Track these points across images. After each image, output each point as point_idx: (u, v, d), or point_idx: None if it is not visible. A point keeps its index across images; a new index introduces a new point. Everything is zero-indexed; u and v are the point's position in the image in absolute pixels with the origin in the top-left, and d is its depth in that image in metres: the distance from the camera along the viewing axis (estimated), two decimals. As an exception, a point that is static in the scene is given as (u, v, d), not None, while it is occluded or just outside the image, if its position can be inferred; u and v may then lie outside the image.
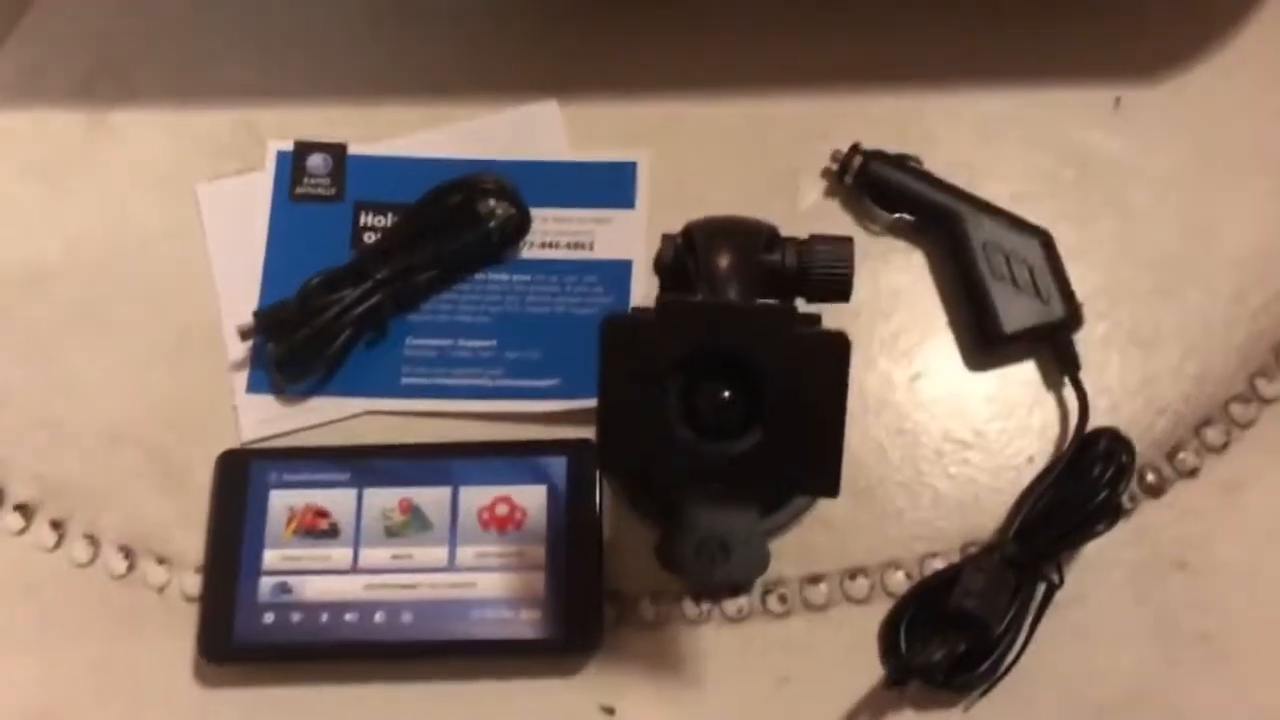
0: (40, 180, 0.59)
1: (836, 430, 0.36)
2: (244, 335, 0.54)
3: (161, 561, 0.53)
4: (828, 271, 0.46)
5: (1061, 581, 0.49)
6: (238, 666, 0.50)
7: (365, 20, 0.61)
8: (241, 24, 0.61)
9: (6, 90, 0.60)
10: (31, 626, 0.52)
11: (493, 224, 0.55)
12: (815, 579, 0.51)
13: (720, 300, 0.40)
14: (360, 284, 0.53)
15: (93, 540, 0.53)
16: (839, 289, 0.47)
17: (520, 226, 0.55)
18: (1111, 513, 0.49)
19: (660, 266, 0.49)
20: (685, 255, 0.47)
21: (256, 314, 0.53)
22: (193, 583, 0.52)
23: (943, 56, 0.59)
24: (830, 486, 0.37)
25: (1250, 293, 0.55)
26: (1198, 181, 0.56)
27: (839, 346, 0.36)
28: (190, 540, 0.53)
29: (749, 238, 0.44)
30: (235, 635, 0.49)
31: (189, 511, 0.53)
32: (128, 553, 0.53)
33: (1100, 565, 0.51)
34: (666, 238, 0.49)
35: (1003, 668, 0.48)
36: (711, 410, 0.38)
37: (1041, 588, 0.49)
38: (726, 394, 0.38)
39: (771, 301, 0.39)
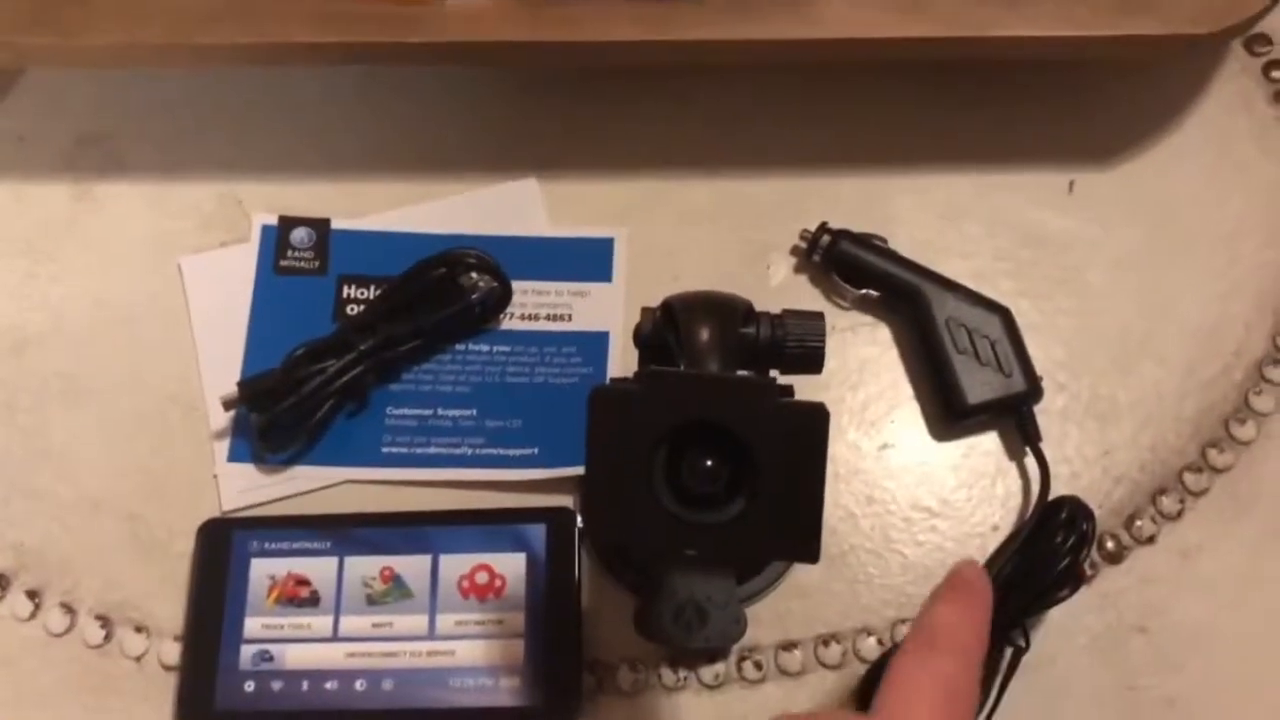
0: (25, 250, 0.60)
1: (816, 498, 0.38)
2: (227, 405, 0.54)
3: (139, 630, 0.53)
4: (801, 344, 0.48)
5: (1028, 646, 0.50)
6: (217, 736, 0.50)
7: (350, 97, 0.63)
8: (227, 99, 0.63)
9: (-7, 161, 0.62)
10: (6, 697, 0.52)
11: (474, 296, 0.56)
12: (790, 645, 0.53)
13: (704, 372, 0.42)
14: (344, 355, 0.54)
15: (69, 609, 0.53)
16: (811, 361, 0.49)
17: (501, 299, 0.56)
18: (1074, 579, 0.51)
19: (640, 338, 0.50)
20: (664, 328, 0.49)
21: (240, 384, 0.54)
22: (171, 652, 0.52)
23: (906, 141, 0.61)
24: (811, 553, 0.38)
25: (1200, 366, 0.57)
26: (1149, 260, 0.59)
27: (818, 417, 0.38)
28: (168, 609, 0.53)
29: (727, 312, 0.46)
30: (216, 704, 0.50)
31: (167, 580, 0.53)
32: (105, 622, 0.53)
33: (1065, 630, 0.52)
34: (646, 310, 0.51)
35: (972, 731, 0.49)
36: (695, 480, 0.39)
37: (1009, 652, 0.50)
38: (709, 463, 0.39)
39: (752, 374, 0.41)
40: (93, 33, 0.54)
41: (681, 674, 0.52)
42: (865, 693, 0.52)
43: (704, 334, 0.44)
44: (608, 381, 0.56)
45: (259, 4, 0.54)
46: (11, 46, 0.55)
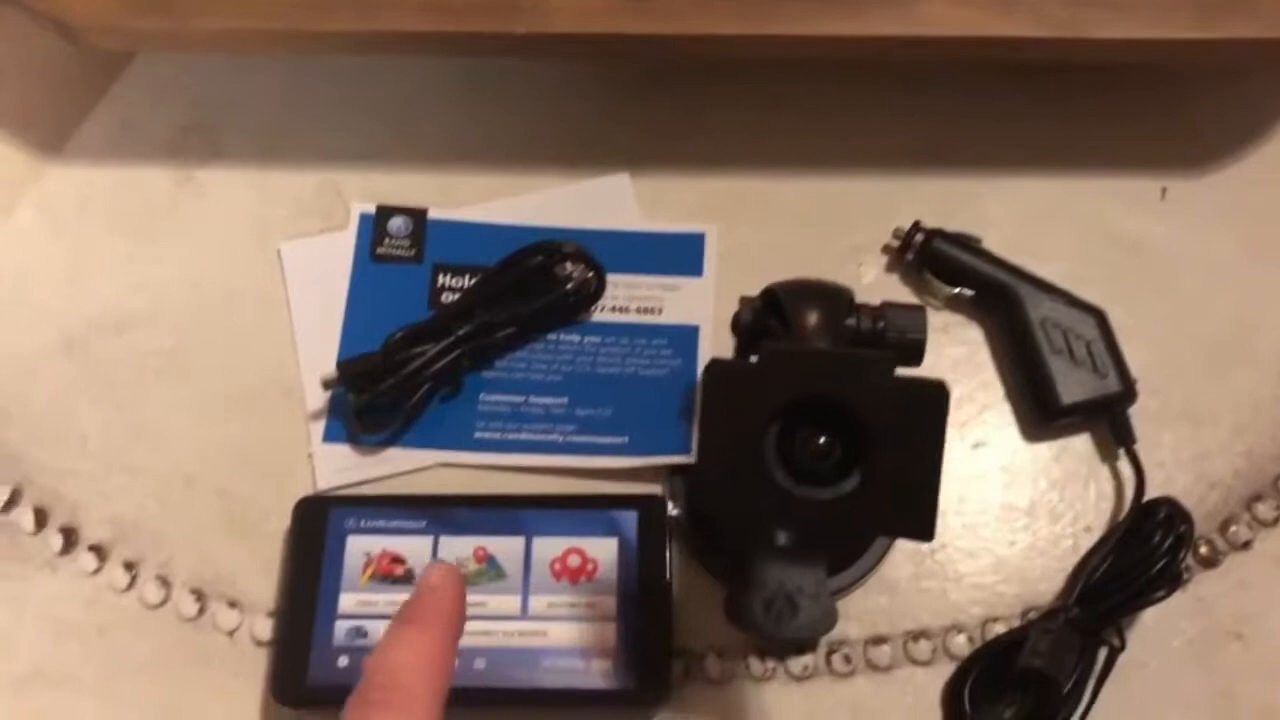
0: (128, 233, 0.61)
1: (934, 476, 0.38)
2: (326, 385, 0.55)
3: (232, 605, 0.53)
4: (902, 336, 0.49)
5: (1123, 646, 0.50)
6: (309, 710, 0.50)
7: (447, 92, 0.64)
8: (327, 90, 0.64)
9: (99, 145, 0.63)
10: (102, 667, 0.52)
11: (569, 287, 0.57)
12: (879, 640, 0.52)
13: (825, 348, 0.42)
14: (441, 340, 0.55)
15: (165, 582, 0.54)
16: (912, 353, 0.49)
17: (596, 291, 0.57)
18: (1171, 580, 0.50)
19: (738, 326, 0.51)
20: (764, 316, 0.49)
21: (340, 364, 0.55)
22: (263, 627, 0.53)
23: (998, 143, 0.62)
24: (926, 530, 0.38)
25: (1295, 374, 0.57)
26: (1243, 268, 0.59)
27: (939, 394, 0.38)
28: (260, 585, 0.54)
29: (834, 299, 0.46)
30: (309, 678, 0.50)
31: (259, 557, 0.54)
32: (199, 596, 0.54)
33: (1159, 634, 0.52)
34: (745, 299, 0.51)
35: (1066, 730, 0.49)
36: (809, 456, 0.39)
37: (1104, 652, 0.50)
38: (822, 440, 0.39)
39: (871, 351, 0.41)
40: (204, 17, 0.55)
41: (769, 664, 0.52)
42: (953, 690, 0.51)
43: (812, 318, 0.45)
44: (699, 374, 0.56)
45: (369, -7, 0.55)
46: (125, 31, 0.56)
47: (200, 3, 0.55)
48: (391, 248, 0.60)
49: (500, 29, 0.54)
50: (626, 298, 0.59)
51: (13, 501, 0.55)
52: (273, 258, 0.60)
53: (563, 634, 0.51)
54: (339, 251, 0.60)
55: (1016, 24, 0.54)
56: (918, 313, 0.49)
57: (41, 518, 0.55)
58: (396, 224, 0.60)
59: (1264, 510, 0.54)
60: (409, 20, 0.54)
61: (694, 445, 0.55)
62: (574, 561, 0.52)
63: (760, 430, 0.39)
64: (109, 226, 0.61)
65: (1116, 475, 0.55)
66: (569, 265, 0.57)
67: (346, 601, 0.51)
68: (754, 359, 0.40)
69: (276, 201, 0.61)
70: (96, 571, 0.54)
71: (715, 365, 0.40)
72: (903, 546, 0.54)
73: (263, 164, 0.62)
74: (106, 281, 0.60)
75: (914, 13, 0.54)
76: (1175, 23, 0.53)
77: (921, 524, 0.38)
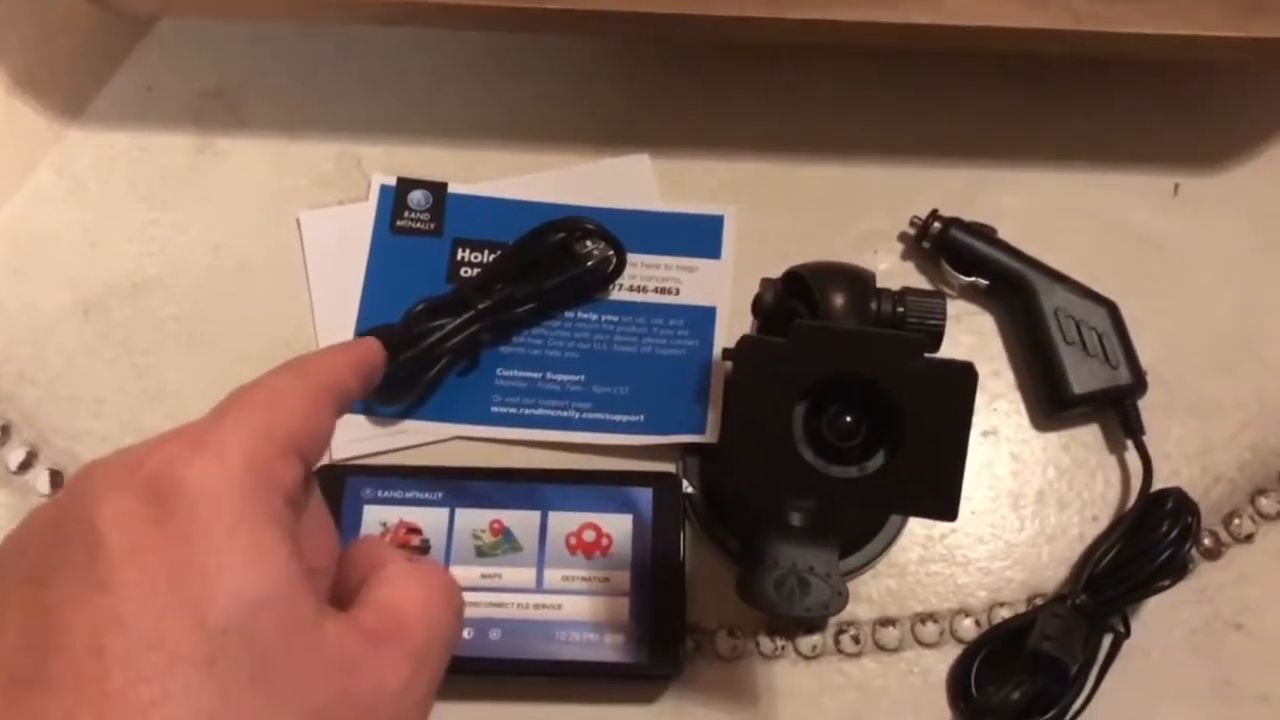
0: (146, 198, 0.61)
1: (959, 456, 0.39)
2: (345, 354, 0.55)
3: (247, 571, 0.54)
4: (922, 322, 0.49)
5: (1128, 633, 0.51)
6: (324, 676, 0.51)
7: (470, 66, 0.64)
8: (350, 62, 0.64)
9: (120, 109, 0.63)
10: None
11: (590, 264, 0.57)
12: (888, 622, 0.53)
13: (856, 327, 0.42)
14: (461, 313, 0.55)
15: (179, 547, 0.54)
16: (931, 339, 0.49)
17: (616, 268, 0.57)
18: (1177, 569, 0.51)
19: (760, 307, 0.51)
20: (787, 297, 0.50)
21: (361, 335, 0.55)
22: (277, 593, 0.53)
23: (1014, 135, 0.62)
24: (950, 509, 0.39)
25: (1302, 371, 0.58)
26: (1252, 264, 0.60)
27: (967, 375, 0.38)
28: (275, 552, 0.54)
29: (859, 282, 0.47)
30: (324, 644, 0.50)
31: (274, 524, 0.54)
32: (213, 561, 0.54)
33: (1161, 622, 0.53)
34: (766, 281, 0.51)
35: (1069, 714, 0.50)
36: (836, 435, 0.40)
37: (1109, 639, 0.51)
38: (849, 419, 0.40)
39: (903, 332, 0.42)
40: (234, -15, 0.55)
41: (779, 643, 0.53)
42: (959, 672, 0.52)
43: (839, 299, 0.45)
44: (716, 354, 0.57)
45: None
46: (154, -6, 0.56)
47: (230, -32, 0.55)
48: (411, 220, 0.60)
49: (528, 4, 0.54)
50: (644, 277, 0.59)
51: (28, 463, 0.55)
52: (291, 227, 0.60)
53: (577, 607, 0.51)
54: (358, 223, 0.60)
55: (1045, 16, 0.54)
56: (938, 299, 0.49)
57: (57, 480, 0.55)
58: (417, 197, 0.60)
59: (1267, 504, 0.55)
60: (439, -8, 0.54)
61: (708, 425, 0.55)
62: (589, 536, 0.52)
63: (790, 407, 0.40)
64: (128, 191, 0.61)
65: (1124, 466, 0.56)
66: (589, 243, 0.57)
67: (363, 569, 0.51)
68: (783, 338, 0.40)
69: (296, 171, 0.61)
70: (111, 534, 0.54)
71: (748, 341, 0.40)
72: (912, 531, 0.55)
73: (283, 133, 0.62)
74: (125, 245, 0.60)
75: (942, 2, 0.55)
76: (1202, 20, 0.54)
77: (946, 504, 0.39)
